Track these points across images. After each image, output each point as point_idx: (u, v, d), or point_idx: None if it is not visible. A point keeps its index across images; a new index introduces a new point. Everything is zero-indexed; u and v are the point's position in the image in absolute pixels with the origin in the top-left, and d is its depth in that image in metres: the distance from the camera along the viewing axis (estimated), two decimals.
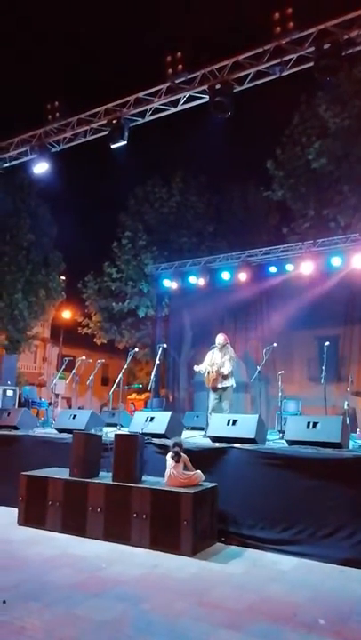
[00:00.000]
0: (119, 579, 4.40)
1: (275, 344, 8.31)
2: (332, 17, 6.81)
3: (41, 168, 9.43)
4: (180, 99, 8.21)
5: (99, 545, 5.35)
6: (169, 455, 5.62)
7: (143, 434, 6.20)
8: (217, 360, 7.82)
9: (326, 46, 6.77)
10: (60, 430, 7.42)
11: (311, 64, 7.03)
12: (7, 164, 10.09)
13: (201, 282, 13.50)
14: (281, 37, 6.96)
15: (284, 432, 6.43)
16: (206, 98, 7.86)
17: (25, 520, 6.07)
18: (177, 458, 5.52)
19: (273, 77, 7.51)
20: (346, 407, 8.21)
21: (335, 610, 3.87)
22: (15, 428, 7.80)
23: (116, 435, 6.16)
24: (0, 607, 3.73)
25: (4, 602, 3.80)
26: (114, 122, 8.57)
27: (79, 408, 10.27)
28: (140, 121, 8.64)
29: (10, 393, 9.84)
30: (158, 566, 4.74)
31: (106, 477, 5.88)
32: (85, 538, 5.54)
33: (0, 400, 9.52)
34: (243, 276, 12.75)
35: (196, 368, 8.08)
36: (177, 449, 5.59)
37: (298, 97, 15.01)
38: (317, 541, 4.98)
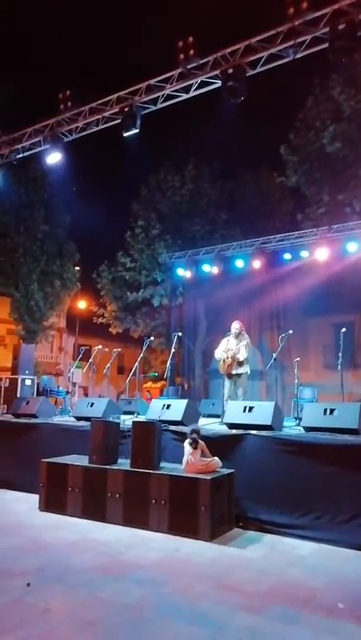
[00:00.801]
0: (139, 563, 4.49)
1: (290, 331, 8.27)
2: None
3: (54, 158, 9.42)
4: (192, 84, 8.10)
5: (118, 530, 5.46)
6: (187, 442, 5.67)
7: (160, 421, 6.26)
8: (232, 346, 7.82)
9: (341, 26, 6.57)
10: (79, 418, 7.52)
11: (326, 45, 6.86)
12: (20, 155, 10.11)
13: (215, 270, 13.46)
14: (294, 18, 6.79)
15: (300, 419, 6.44)
16: (219, 83, 7.74)
17: (46, 506, 6.20)
18: (195, 444, 5.57)
19: (287, 60, 7.34)
20: None
21: (354, 594, 3.89)
22: (34, 416, 7.93)
23: (133, 422, 6.24)
24: (25, 589, 3.84)
25: (29, 584, 3.91)
26: (126, 110, 8.50)
27: (99, 396, 10.38)
28: (153, 108, 8.55)
29: (28, 382, 9.99)
30: (177, 551, 4.82)
31: (124, 464, 5.97)
32: (105, 523, 5.65)
33: (19, 389, 9.68)
34: (257, 264, 12.67)
35: (215, 355, 8.08)
36: (195, 435, 5.64)
37: (311, 80, 14.71)
38: (336, 526, 5.00)
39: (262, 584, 4.04)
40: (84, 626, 3.31)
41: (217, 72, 7.67)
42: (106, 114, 8.95)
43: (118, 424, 6.67)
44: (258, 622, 3.39)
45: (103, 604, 3.65)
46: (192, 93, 8.24)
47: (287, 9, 6.74)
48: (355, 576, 4.31)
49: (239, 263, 13.10)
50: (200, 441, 5.64)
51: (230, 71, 7.46)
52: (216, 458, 5.58)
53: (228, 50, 7.54)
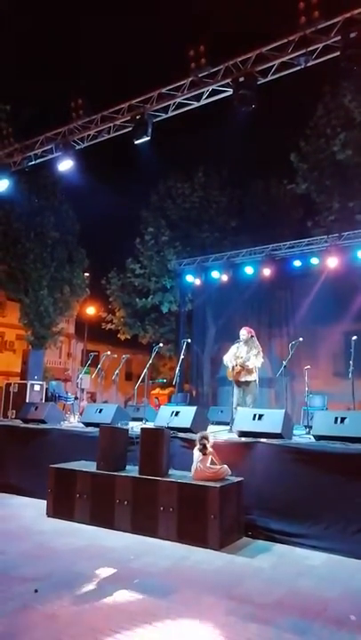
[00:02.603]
0: (148, 570, 4.45)
1: (301, 339, 8.22)
2: (359, 4, 6.65)
3: (65, 166, 9.53)
4: (203, 93, 8.16)
5: (126, 537, 5.42)
6: (196, 449, 5.64)
7: (169, 428, 6.23)
8: (242, 354, 7.78)
9: (353, 35, 6.61)
10: (87, 424, 7.52)
11: (337, 53, 6.89)
12: (32, 162, 10.22)
13: (224, 277, 13.45)
14: (306, 27, 6.82)
15: (310, 427, 6.38)
16: (230, 91, 7.79)
17: (54, 512, 6.19)
18: (205, 450, 5.53)
19: (298, 68, 7.38)
20: None
21: None
22: (43, 421, 7.94)
23: (142, 429, 6.22)
24: (32, 595, 3.82)
25: (37, 590, 3.89)
26: (137, 118, 8.58)
27: (104, 402, 10.38)
28: (164, 116, 8.62)
29: (37, 388, 10.01)
30: (186, 559, 4.77)
31: (132, 471, 5.94)
32: (113, 530, 5.62)
33: (28, 394, 9.70)
34: (267, 271, 12.64)
35: (224, 361, 8.05)
36: (205, 442, 5.61)
37: (322, 88, 14.74)
38: (347, 537, 4.93)
39: (272, 594, 3.99)
40: (90, 633, 3.28)
41: (228, 80, 7.73)
42: (117, 122, 9.04)
43: (127, 430, 6.65)
44: (268, 633, 3.34)
45: (110, 611, 3.62)
46: (203, 102, 8.30)
47: (299, 18, 6.78)
48: None
49: (248, 270, 13.08)
50: (210, 448, 5.61)
51: (241, 79, 7.51)
52: (225, 465, 5.54)
53: (240, 58, 7.59)
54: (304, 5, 6.71)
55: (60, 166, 9.59)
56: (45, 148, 9.87)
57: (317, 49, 7.07)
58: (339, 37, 6.75)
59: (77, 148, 9.54)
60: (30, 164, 10.21)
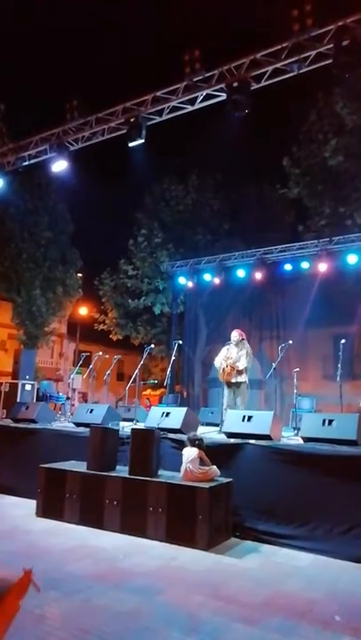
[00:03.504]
0: (137, 570, 4.49)
1: (290, 341, 8.30)
2: (352, 13, 6.75)
3: (59, 166, 9.54)
4: (197, 97, 8.23)
5: (116, 537, 5.44)
6: (185, 449, 5.68)
7: (159, 429, 6.27)
8: (233, 355, 7.85)
9: (345, 42, 6.71)
10: (78, 424, 7.53)
11: (330, 61, 6.99)
12: (27, 163, 10.23)
13: (216, 279, 13.52)
14: (300, 34, 6.92)
15: (299, 429, 6.45)
16: (224, 96, 7.86)
17: (43, 512, 6.19)
18: (199, 445, 5.57)
19: (291, 75, 7.48)
20: None
21: (352, 607, 3.88)
22: (34, 421, 7.94)
23: (132, 429, 6.25)
24: None
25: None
26: (131, 120, 8.62)
27: (94, 402, 10.38)
28: (158, 119, 8.68)
29: (28, 387, 10.00)
30: (174, 559, 4.81)
31: (122, 471, 5.97)
32: (102, 530, 5.64)
33: (19, 394, 9.69)
34: (258, 274, 12.74)
35: (215, 363, 8.11)
36: (198, 441, 5.67)
37: (315, 94, 14.88)
38: (334, 538, 5.00)
39: (259, 595, 4.04)
40: (78, 634, 3.30)
41: (222, 85, 7.80)
42: (112, 124, 9.08)
43: (117, 431, 6.68)
44: (254, 634, 3.39)
45: (99, 611, 3.64)
46: (197, 105, 8.36)
47: (292, 25, 6.88)
48: (352, 588, 4.31)
49: (240, 273, 13.17)
50: (200, 448, 5.66)
51: (235, 85, 7.58)
52: (214, 466, 5.59)
53: (234, 64, 7.67)
54: (298, 13, 6.81)
55: (53, 167, 9.61)
56: (40, 149, 9.88)
57: (310, 56, 7.17)
58: (331, 45, 6.84)
59: (72, 149, 9.57)
60: (24, 164, 10.22)
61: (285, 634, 3.39)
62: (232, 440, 6.08)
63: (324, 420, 5.70)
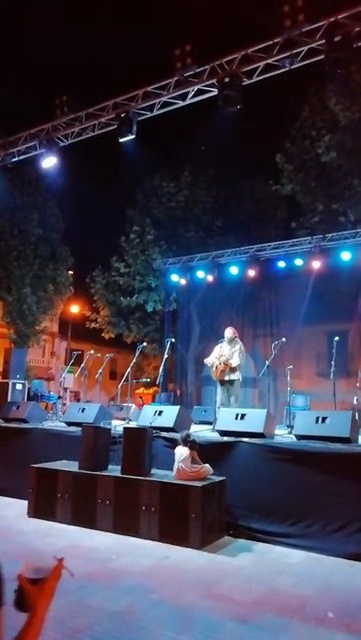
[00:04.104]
0: (129, 570, 4.45)
1: (284, 339, 8.29)
2: (344, 9, 6.72)
3: (49, 162, 9.44)
4: (188, 92, 8.16)
5: (108, 537, 5.41)
6: (178, 448, 5.65)
7: (152, 427, 6.23)
8: (225, 352, 7.82)
9: (337, 38, 6.67)
10: (69, 423, 7.47)
11: (322, 57, 6.96)
12: (16, 159, 10.10)
13: (209, 276, 13.47)
14: (291, 30, 6.86)
15: (292, 427, 6.44)
16: (215, 91, 7.81)
17: (35, 512, 6.14)
18: (191, 445, 5.53)
19: (283, 70, 7.43)
20: (355, 402, 8.18)
21: (344, 603, 3.88)
22: (24, 421, 7.87)
23: (124, 428, 6.21)
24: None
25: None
26: (122, 116, 8.54)
27: (86, 401, 10.31)
28: (149, 115, 8.60)
29: (19, 387, 9.91)
30: (167, 558, 4.78)
31: (115, 470, 5.93)
32: (95, 530, 5.60)
33: (10, 393, 9.59)
34: (251, 271, 12.70)
35: (205, 361, 8.09)
36: (193, 438, 5.63)
37: (308, 90, 14.86)
38: (326, 535, 4.99)
39: (252, 592, 4.02)
40: (70, 633, 3.26)
41: (213, 80, 7.74)
42: (102, 119, 8.99)
43: (109, 430, 6.63)
44: (247, 631, 3.37)
45: (91, 611, 3.61)
46: (188, 101, 8.30)
47: (284, 20, 6.81)
48: (345, 585, 4.30)
49: (233, 270, 13.13)
50: (191, 450, 5.62)
51: (227, 80, 7.53)
52: (207, 465, 5.56)
53: (225, 59, 7.61)
54: (289, 8, 6.75)
55: (43, 163, 9.50)
56: (29, 145, 9.77)
57: (302, 52, 7.12)
58: (323, 41, 6.81)
59: (62, 145, 9.46)
60: (13, 160, 10.09)
61: (278, 631, 3.38)
62: (225, 438, 6.06)
63: (317, 418, 5.70)
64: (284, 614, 3.63)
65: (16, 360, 10.31)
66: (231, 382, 7.76)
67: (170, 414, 6.61)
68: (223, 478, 5.55)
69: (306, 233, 14.21)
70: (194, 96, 8.19)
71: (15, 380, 9.95)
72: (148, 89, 8.37)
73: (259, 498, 5.47)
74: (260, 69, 7.52)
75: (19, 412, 8.04)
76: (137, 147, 9.23)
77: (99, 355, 10.36)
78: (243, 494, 5.55)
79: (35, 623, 1.25)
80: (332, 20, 6.74)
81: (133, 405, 9.74)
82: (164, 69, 8.04)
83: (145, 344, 10.61)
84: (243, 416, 6.12)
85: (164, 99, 8.34)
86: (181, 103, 8.38)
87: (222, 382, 7.81)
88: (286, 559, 4.89)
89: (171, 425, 6.43)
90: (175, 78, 8.00)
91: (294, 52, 7.13)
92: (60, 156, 9.42)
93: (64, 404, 12.37)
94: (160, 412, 6.67)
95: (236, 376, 7.75)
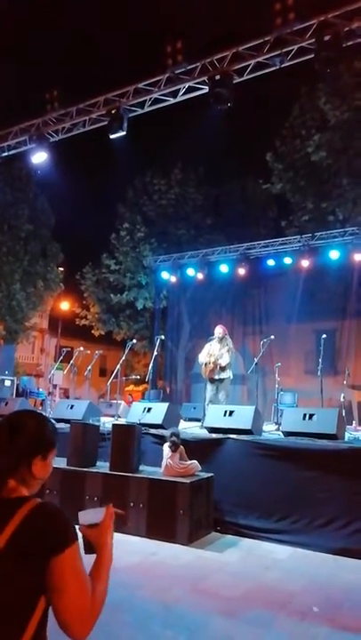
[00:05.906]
0: (116, 566, 4.38)
1: (272, 337, 8.33)
2: (334, 8, 6.75)
3: (39, 158, 9.37)
4: (179, 89, 8.15)
5: None
6: (166, 445, 5.66)
7: (141, 424, 6.24)
8: (215, 351, 7.84)
9: (327, 38, 6.71)
10: (58, 420, 7.44)
11: (312, 55, 6.99)
12: (5, 154, 10.02)
13: (199, 274, 13.49)
14: (282, 28, 6.88)
15: (280, 423, 6.48)
16: (206, 88, 7.81)
17: None
18: (174, 447, 5.56)
19: (273, 69, 7.45)
20: (342, 400, 8.27)
21: (329, 598, 3.93)
22: None
23: (113, 425, 6.21)
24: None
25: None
26: (113, 112, 8.50)
27: (75, 398, 10.28)
28: (140, 111, 8.58)
29: (7, 383, 9.88)
30: (154, 554, 4.80)
31: (103, 467, 5.93)
32: None
33: None
34: (241, 270, 12.74)
35: (199, 360, 8.10)
36: (174, 438, 5.64)
37: (298, 89, 14.90)
38: (313, 531, 5.05)
39: (238, 588, 4.05)
40: (57, 628, 3.26)
41: (204, 78, 7.73)
42: (93, 115, 8.94)
43: (98, 427, 6.62)
44: (233, 626, 3.40)
45: None
46: (179, 98, 8.29)
47: (275, 19, 6.83)
48: (330, 580, 4.35)
49: (223, 268, 13.16)
50: (180, 445, 5.64)
51: (217, 78, 7.53)
52: (195, 461, 5.58)
53: (216, 56, 7.61)
54: (280, 7, 6.77)
55: (33, 158, 9.43)
56: (19, 140, 9.69)
57: (292, 50, 7.15)
58: (313, 40, 6.84)
59: (52, 140, 9.40)
60: (3, 155, 10.01)
61: (264, 626, 3.41)
62: (213, 435, 6.09)
63: (304, 415, 5.75)
64: (271, 609, 3.66)
65: (5, 356, 10.29)
66: (221, 380, 7.79)
67: (159, 411, 6.62)
68: (211, 475, 5.58)
69: (295, 232, 14.26)
70: (185, 93, 8.19)
71: (4, 377, 9.92)
72: (139, 85, 8.35)
73: (246, 494, 5.51)
74: (250, 67, 7.53)
75: (7, 409, 7.98)
76: (128, 143, 9.20)
77: (88, 352, 10.33)
78: (231, 490, 5.58)
79: (104, 557, 1.48)
80: (323, 19, 6.77)
81: (123, 402, 9.73)
82: (155, 66, 8.03)
83: (135, 341, 10.59)
84: (231, 413, 6.15)
85: (155, 95, 8.33)
86: (172, 100, 8.37)
87: (212, 380, 7.84)
88: (273, 555, 4.94)
89: (160, 422, 6.44)
90: (166, 75, 7.98)
91: (285, 50, 7.15)
92: (50, 152, 9.36)
93: (53, 401, 12.32)
94: (149, 409, 6.68)
95: (225, 375, 7.78)
